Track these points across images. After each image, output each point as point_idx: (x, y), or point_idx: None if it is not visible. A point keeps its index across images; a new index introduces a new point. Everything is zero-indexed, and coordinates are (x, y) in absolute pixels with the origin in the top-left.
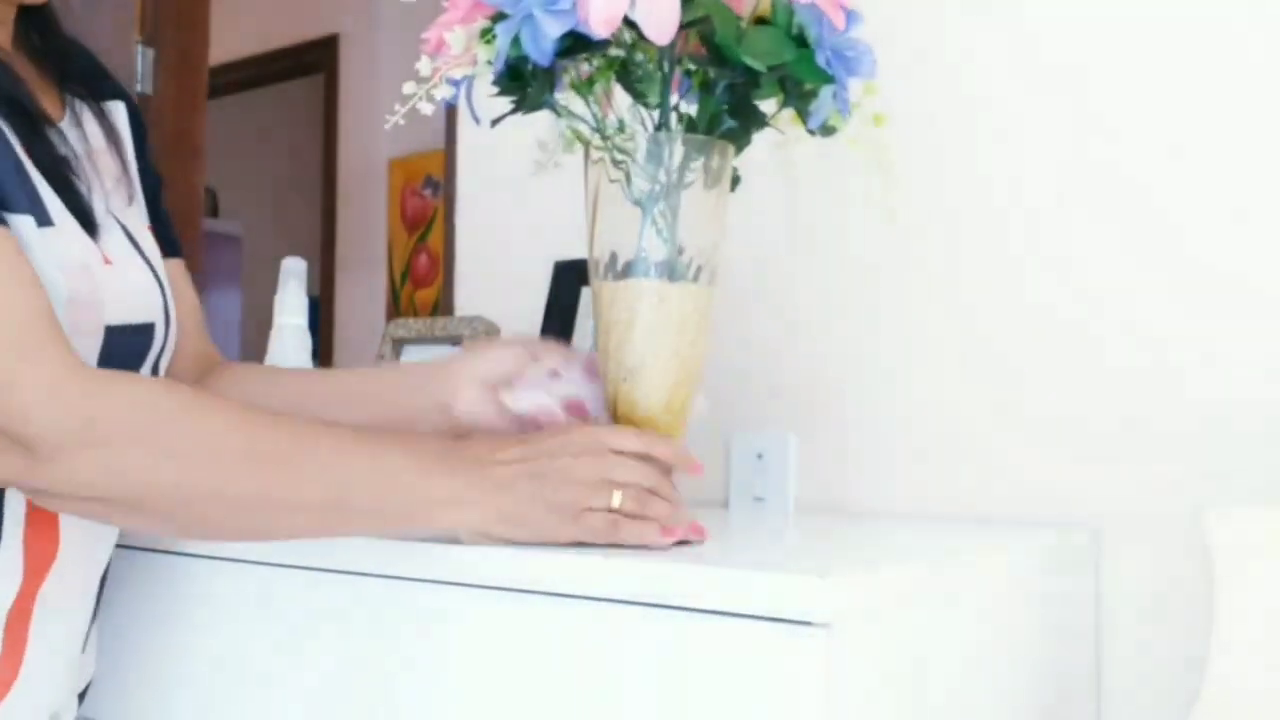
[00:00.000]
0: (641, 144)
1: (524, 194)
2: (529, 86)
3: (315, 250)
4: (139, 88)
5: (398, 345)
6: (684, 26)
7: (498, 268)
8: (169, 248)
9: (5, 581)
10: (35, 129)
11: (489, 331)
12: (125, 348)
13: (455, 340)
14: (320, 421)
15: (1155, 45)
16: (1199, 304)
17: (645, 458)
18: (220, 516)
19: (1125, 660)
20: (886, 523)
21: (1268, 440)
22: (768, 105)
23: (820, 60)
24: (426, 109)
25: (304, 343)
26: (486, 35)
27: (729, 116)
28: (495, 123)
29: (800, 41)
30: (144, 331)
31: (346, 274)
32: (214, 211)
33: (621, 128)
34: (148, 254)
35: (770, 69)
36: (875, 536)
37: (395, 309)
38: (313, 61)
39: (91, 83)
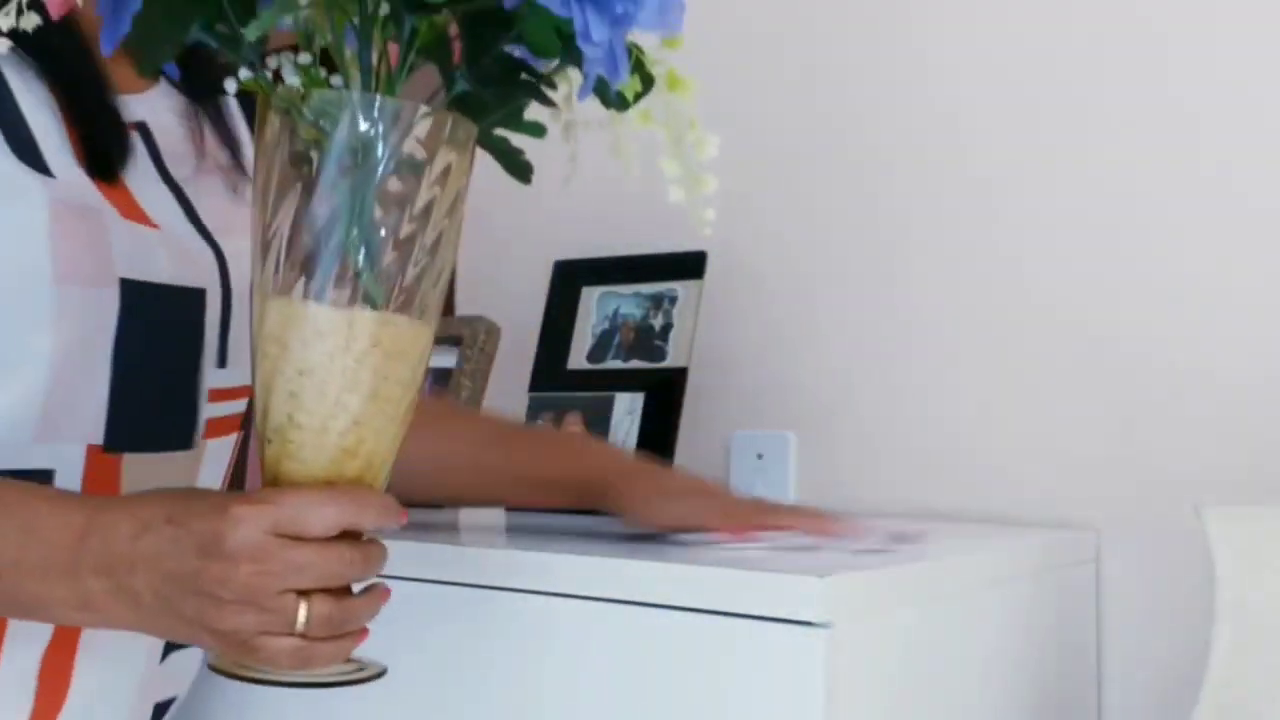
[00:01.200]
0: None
1: (524, 194)
2: None
3: None
4: None
5: None
6: None
7: (498, 268)
8: None
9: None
10: (80, 89)
11: (489, 331)
12: (160, 309)
13: (456, 340)
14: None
15: (1153, 42)
16: (1199, 304)
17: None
18: None
19: (1125, 660)
20: (887, 523)
21: (1268, 440)
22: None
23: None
24: (0, 45)
25: None
26: None
27: (466, 78)
28: (143, 69)
29: None
30: (188, 297)
31: None
32: None
33: (309, 74)
34: (212, 226)
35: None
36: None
37: None
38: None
39: (204, 69)
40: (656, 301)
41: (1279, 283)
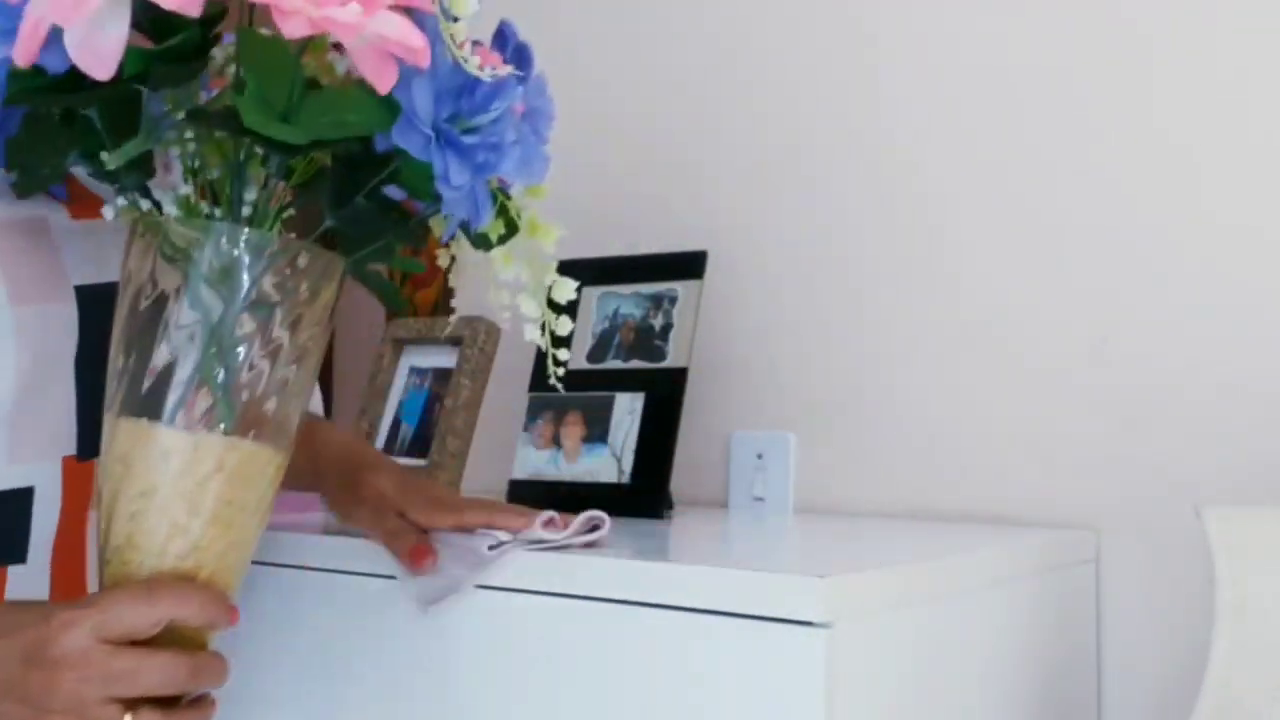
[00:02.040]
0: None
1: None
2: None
3: None
4: None
5: (398, 345)
6: (173, 63)
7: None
8: None
9: None
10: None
11: (489, 331)
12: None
13: (456, 340)
14: None
15: (1140, 41)
16: (1199, 304)
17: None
18: None
19: (1125, 660)
20: (886, 523)
21: (1268, 440)
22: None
23: (410, 142)
24: None
25: None
26: None
27: (330, 212)
28: (22, 190)
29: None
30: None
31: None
32: None
33: (189, 211)
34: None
35: (320, 145)
36: (875, 536)
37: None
38: None
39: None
40: (656, 301)
41: (1278, 282)
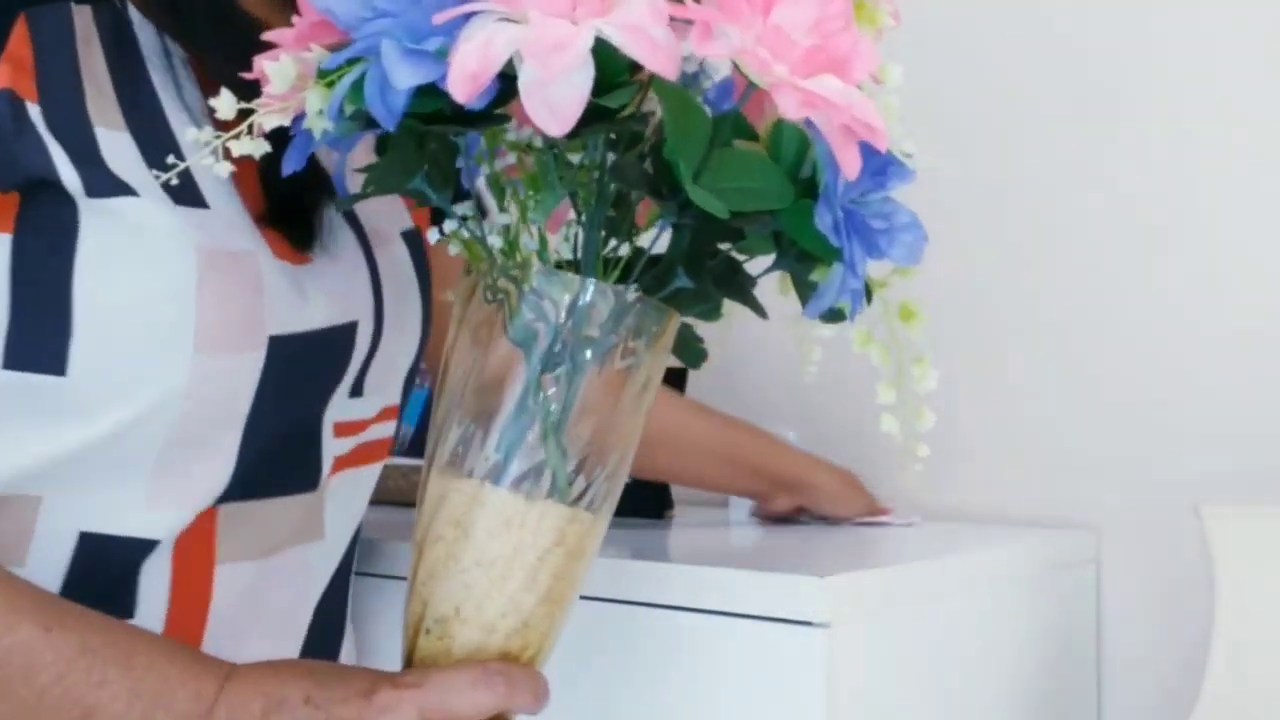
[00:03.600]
0: (535, 281)
1: None
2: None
3: None
4: None
5: None
6: (606, 118)
7: None
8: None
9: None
10: (229, 51)
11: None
12: (306, 359)
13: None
14: (91, 636)
15: (1149, 39)
16: (1199, 304)
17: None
18: None
19: (1125, 660)
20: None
21: (1268, 440)
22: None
23: (823, 222)
24: (221, 170)
25: None
26: (327, 77)
27: (684, 271)
28: (343, 207)
29: (809, 186)
30: (337, 335)
31: None
32: None
33: (511, 249)
34: (369, 232)
35: (739, 215)
36: (875, 536)
37: None
38: None
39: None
40: None
41: (1279, 282)
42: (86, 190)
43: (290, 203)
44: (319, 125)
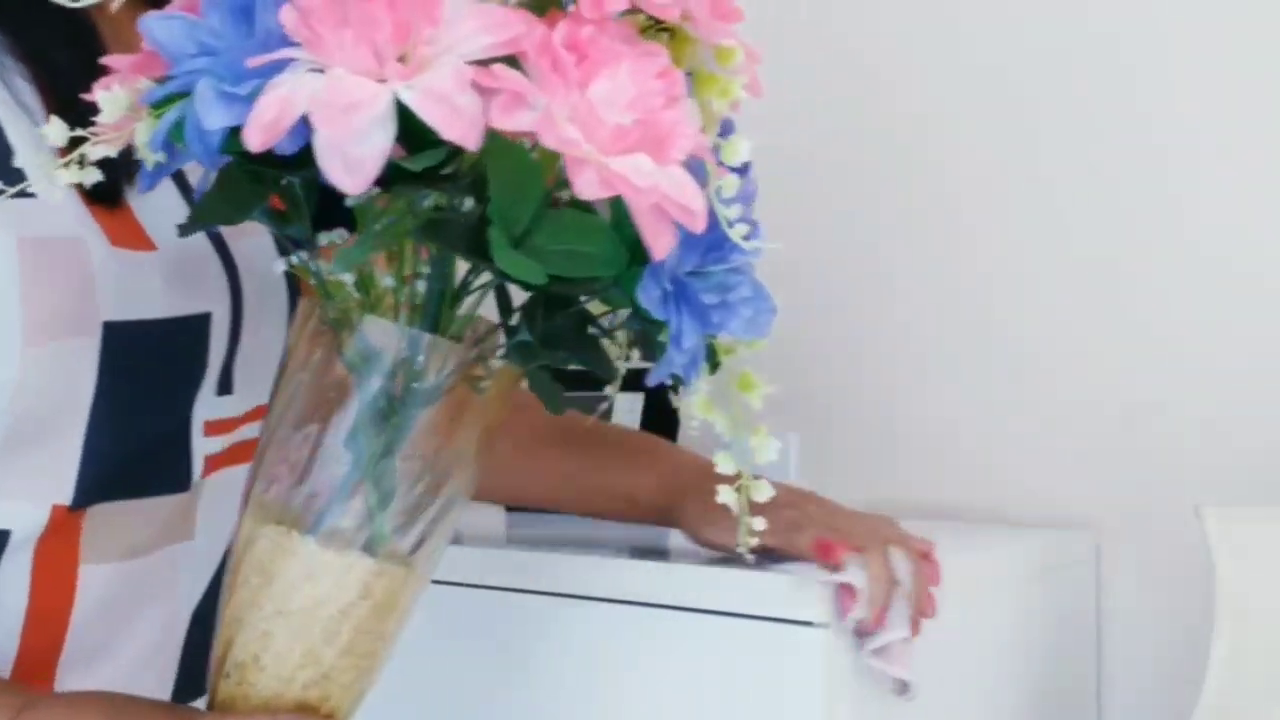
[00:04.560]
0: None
1: None
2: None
3: None
4: None
5: None
6: (414, 179)
7: None
8: None
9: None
10: (70, 89)
11: (489, 331)
12: (151, 348)
13: (456, 339)
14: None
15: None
16: (1199, 304)
17: None
18: None
19: (1125, 661)
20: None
21: (1267, 440)
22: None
23: (648, 295)
24: (55, 194)
25: None
26: (158, 108)
27: (527, 328)
28: (185, 231)
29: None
30: (188, 325)
31: None
32: None
33: (365, 284)
34: (224, 229)
35: (565, 281)
36: None
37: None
38: None
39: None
40: None
41: (1278, 283)
42: None
43: (108, 185)
44: (148, 157)
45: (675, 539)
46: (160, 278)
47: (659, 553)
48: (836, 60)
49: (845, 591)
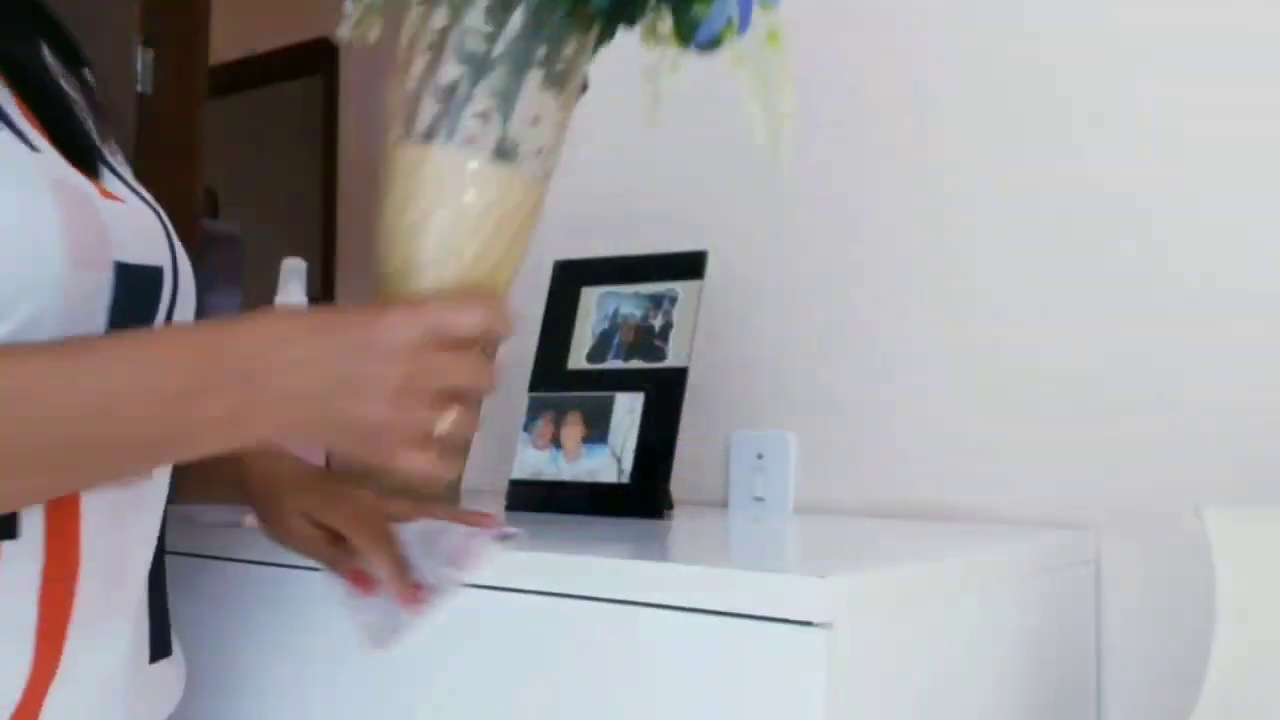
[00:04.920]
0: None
1: None
2: None
3: (315, 250)
4: (138, 88)
5: None
6: None
7: None
8: None
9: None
10: (28, 62)
11: None
12: (138, 291)
13: None
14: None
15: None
16: (1199, 304)
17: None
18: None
19: (1125, 661)
20: (886, 523)
21: (1267, 440)
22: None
23: None
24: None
25: None
26: None
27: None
28: None
29: None
30: (153, 276)
31: (346, 274)
32: (214, 211)
33: None
34: (148, 198)
35: None
36: (875, 536)
37: None
38: (313, 61)
39: (67, 47)
40: (656, 301)
41: (1278, 283)
42: None
43: (77, 142)
44: None
45: (675, 539)
46: (129, 229)
47: (659, 553)
48: (837, 59)
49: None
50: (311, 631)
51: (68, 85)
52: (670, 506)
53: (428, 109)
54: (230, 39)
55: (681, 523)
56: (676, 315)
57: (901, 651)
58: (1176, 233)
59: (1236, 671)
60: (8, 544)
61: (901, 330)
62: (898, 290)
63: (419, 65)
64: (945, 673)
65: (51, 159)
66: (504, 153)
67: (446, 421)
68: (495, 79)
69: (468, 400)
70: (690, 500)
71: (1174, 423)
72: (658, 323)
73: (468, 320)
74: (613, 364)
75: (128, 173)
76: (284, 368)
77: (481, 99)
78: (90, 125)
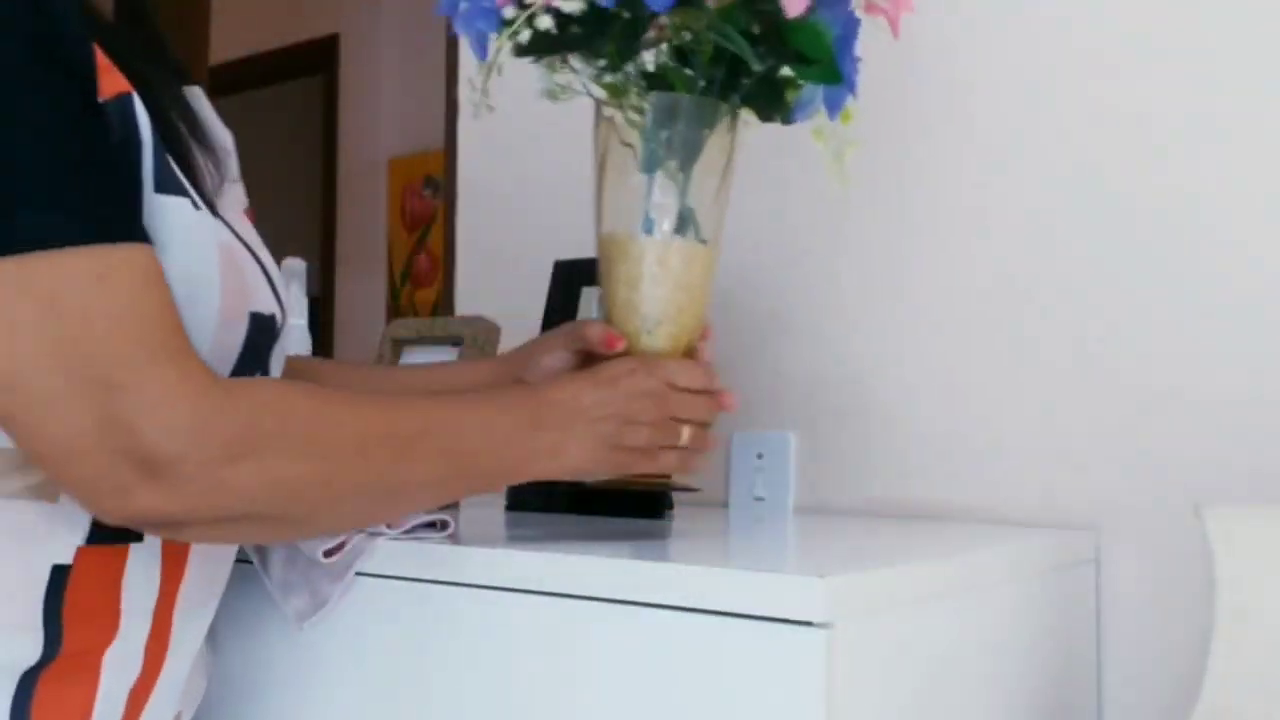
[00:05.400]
0: (685, 107)
1: (524, 194)
2: (601, 31)
3: (315, 250)
4: None
5: (398, 345)
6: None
7: (498, 268)
8: None
9: (147, 583)
10: (163, 105)
11: (489, 331)
12: (261, 336)
13: (456, 340)
14: (424, 394)
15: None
16: (1199, 304)
17: (702, 391)
18: (362, 508)
19: (1125, 660)
20: (886, 523)
21: (1267, 439)
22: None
23: (845, 67)
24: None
25: (304, 343)
26: None
27: (751, 95)
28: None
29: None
30: (270, 323)
31: (346, 274)
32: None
33: (645, 83)
34: (251, 242)
35: (804, 61)
36: (875, 536)
37: (395, 309)
38: (313, 61)
39: (172, 70)
40: None
41: (1278, 284)
42: (157, 186)
43: (202, 189)
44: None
45: (675, 539)
46: (258, 280)
47: (659, 553)
48: None
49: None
50: (310, 631)
51: (180, 119)
52: (670, 506)
53: (633, 207)
54: (230, 39)
55: (681, 523)
56: None
57: (901, 651)
58: (1177, 234)
59: (1236, 671)
60: (135, 545)
61: (902, 331)
62: (899, 291)
63: (616, 172)
64: (945, 673)
65: (206, 215)
66: (690, 232)
67: (686, 436)
68: (678, 177)
69: (696, 425)
70: (690, 500)
71: (1174, 423)
72: None
73: (693, 377)
74: None
75: (235, 214)
76: (586, 411)
77: (669, 195)
78: (202, 166)
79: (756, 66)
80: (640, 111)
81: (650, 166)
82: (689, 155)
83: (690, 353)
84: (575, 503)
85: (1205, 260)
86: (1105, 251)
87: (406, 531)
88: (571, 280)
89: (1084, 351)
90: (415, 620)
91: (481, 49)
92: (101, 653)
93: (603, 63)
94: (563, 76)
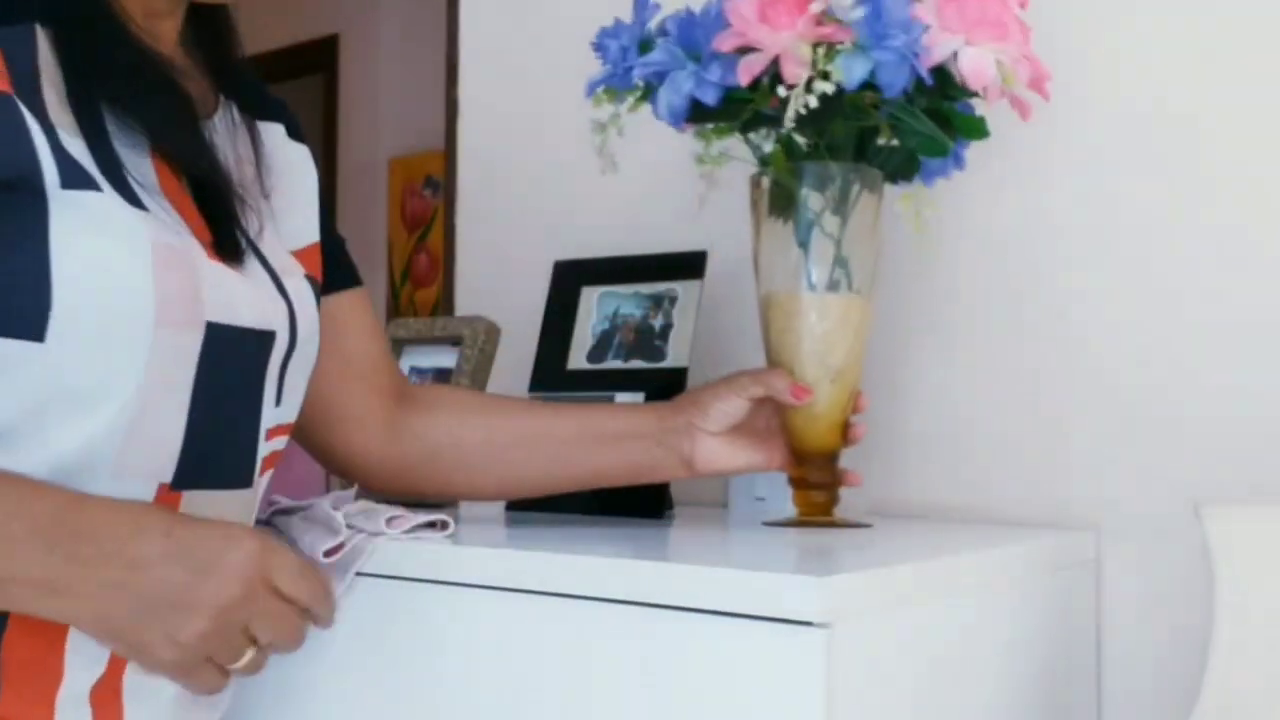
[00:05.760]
0: (839, 175)
1: (524, 194)
2: (840, 116)
3: None
4: None
5: (398, 345)
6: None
7: (498, 268)
8: (346, 279)
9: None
10: (169, 119)
11: (489, 331)
12: (237, 352)
13: (455, 340)
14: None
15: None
16: (1199, 304)
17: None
18: None
19: (1125, 660)
20: (887, 523)
21: (1267, 439)
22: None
23: (958, 154)
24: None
25: None
26: (831, 54)
27: (887, 162)
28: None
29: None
30: (262, 339)
31: None
32: None
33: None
34: (276, 268)
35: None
36: (875, 536)
37: (395, 309)
38: (313, 61)
39: (251, 96)
40: (656, 301)
41: (1279, 281)
42: (61, 182)
43: (222, 221)
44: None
45: (675, 539)
46: (244, 295)
47: (659, 553)
48: None
49: None
50: (309, 631)
51: (233, 149)
52: (670, 506)
53: (797, 269)
54: None
55: (682, 523)
56: (676, 315)
57: (901, 651)
58: (1177, 235)
59: (1236, 671)
60: None
61: (901, 331)
62: (897, 290)
63: (776, 234)
64: (945, 673)
65: (159, 219)
66: (850, 287)
67: (245, 660)
68: (834, 235)
69: (262, 650)
70: (690, 500)
71: (1175, 423)
72: (657, 323)
73: (299, 583)
74: (612, 364)
75: (276, 245)
76: (131, 562)
77: (827, 253)
78: (241, 198)
79: (910, 144)
80: (800, 176)
81: (814, 226)
82: (846, 214)
83: (854, 399)
84: (576, 503)
85: (1205, 260)
86: (1105, 251)
87: (406, 531)
88: (572, 280)
89: (1084, 352)
90: (415, 620)
91: (677, 117)
92: None
93: (765, 131)
94: (720, 144)
